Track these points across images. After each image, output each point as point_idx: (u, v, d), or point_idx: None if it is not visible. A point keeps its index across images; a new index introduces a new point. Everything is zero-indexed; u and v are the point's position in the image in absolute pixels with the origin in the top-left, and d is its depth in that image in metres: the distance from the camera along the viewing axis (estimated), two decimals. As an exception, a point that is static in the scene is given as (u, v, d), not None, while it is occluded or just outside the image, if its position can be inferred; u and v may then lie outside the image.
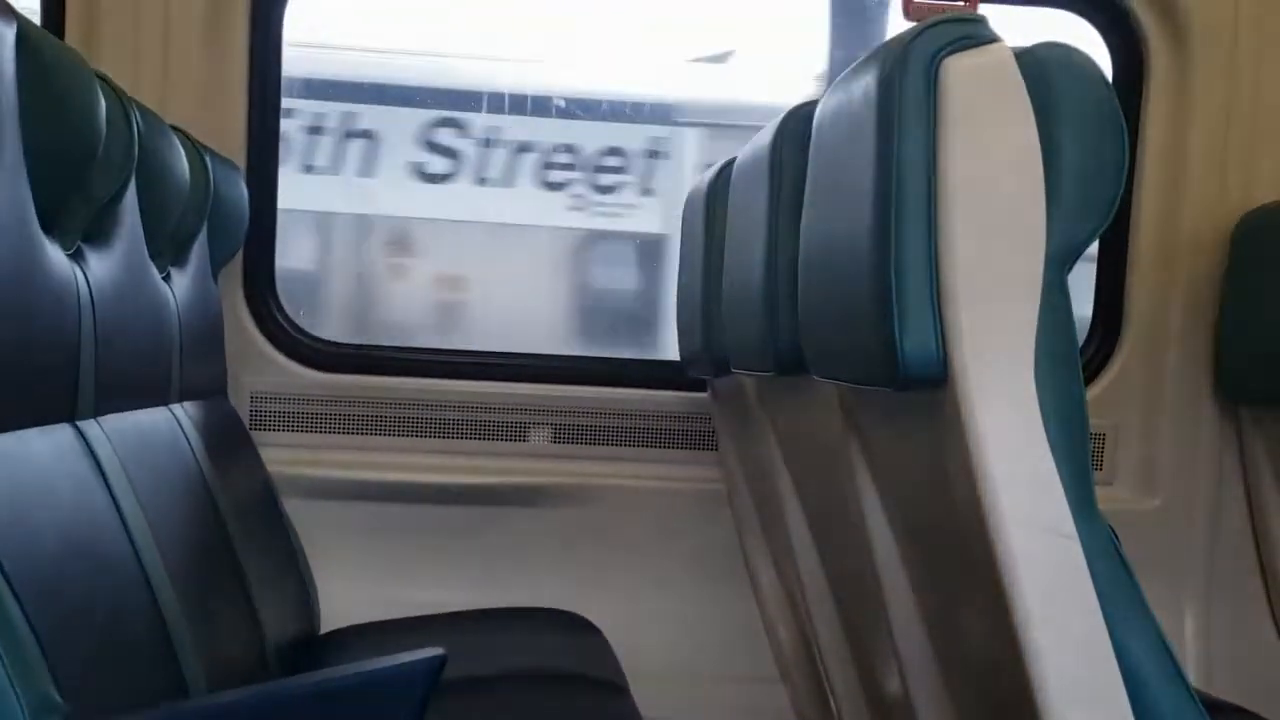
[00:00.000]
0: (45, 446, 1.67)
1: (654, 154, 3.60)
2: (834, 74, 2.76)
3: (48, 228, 1.69)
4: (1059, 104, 1.43)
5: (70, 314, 1.75)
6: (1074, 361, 1.46)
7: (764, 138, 2.11)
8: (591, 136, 3.57)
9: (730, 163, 2.51)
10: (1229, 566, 3.19)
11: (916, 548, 1.81)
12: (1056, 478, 1.41)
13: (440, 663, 1.53)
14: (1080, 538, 1.42)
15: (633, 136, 3.60)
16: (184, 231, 2.48)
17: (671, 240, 3.29)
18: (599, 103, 3.60)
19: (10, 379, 1.55)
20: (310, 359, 3.22)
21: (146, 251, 2.20)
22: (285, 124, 3.23)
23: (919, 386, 1.46)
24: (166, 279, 2.37)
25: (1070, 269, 1.46)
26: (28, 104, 1.56)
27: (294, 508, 3.02)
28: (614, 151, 3.58)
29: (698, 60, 3.78)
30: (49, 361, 1.70)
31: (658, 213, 3.57)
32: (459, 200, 3.58)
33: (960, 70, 1.43)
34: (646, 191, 3.59)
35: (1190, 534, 3.20)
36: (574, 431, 3.25)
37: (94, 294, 1.84)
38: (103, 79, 1.87)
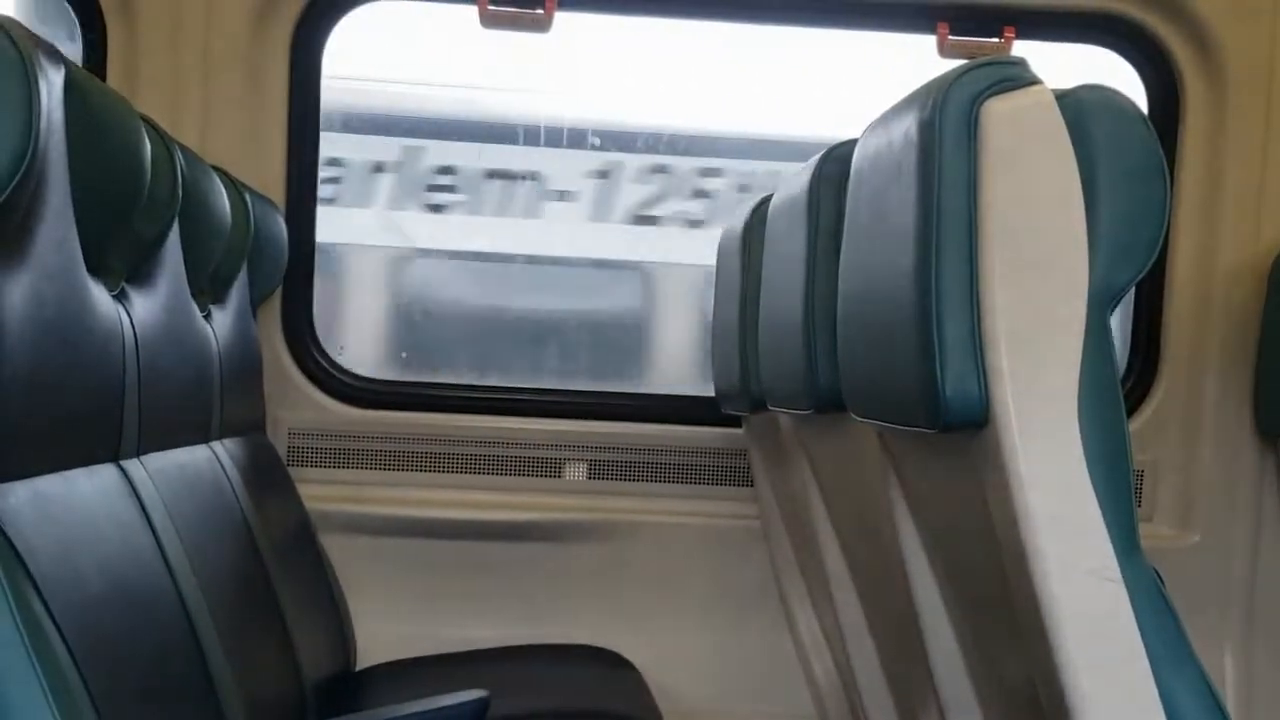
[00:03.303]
0: (90, 487, 1.68)
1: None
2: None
3: (93, 269, 1.71)
4: (1100, 146, 1.43)
5: (115, 355, 1.77)
6: (1117, 403, 1.45)
7: (801, 177, 2.12)
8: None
9: (766, 200, 2.52)
10: (1270, 603, 3.17)
11: (957, 588, 1.80)
12: (1100, 520, 1.41)
13: (484, 705, 1.53)
14: (1124, 580, 1.41)
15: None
16: (225, 270, 2.50)
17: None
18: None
19: (56, 420, 1.57)
20: (347, 395, 3.24)
21: (189, 291, 2.22)
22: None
23: (960, 429, 1.46)
24: (207, 317, 2.39)
25: (1113, 310, 1.46)
26: (75, 148, 1.58)
27: (331, 543, 3.03)
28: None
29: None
30: (94, 402, 1.71)
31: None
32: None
33: (1001, 112, 1.43)
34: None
35: (1230, 570, 3.18)
36: (609, 467, 3.25)
37: (138, 335, 1.86)
38: (147, 121, 1.89)
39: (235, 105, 3.08)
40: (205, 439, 2.35)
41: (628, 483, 3.24)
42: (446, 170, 3.60)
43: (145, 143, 1.81)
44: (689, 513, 3.23)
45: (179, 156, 2.05)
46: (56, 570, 1.44)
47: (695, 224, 3.62)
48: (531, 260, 3.65)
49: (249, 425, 2.74)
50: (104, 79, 2.92)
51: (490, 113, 3.65)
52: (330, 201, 3.42)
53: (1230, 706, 1.52)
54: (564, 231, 3.64)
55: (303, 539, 2.89)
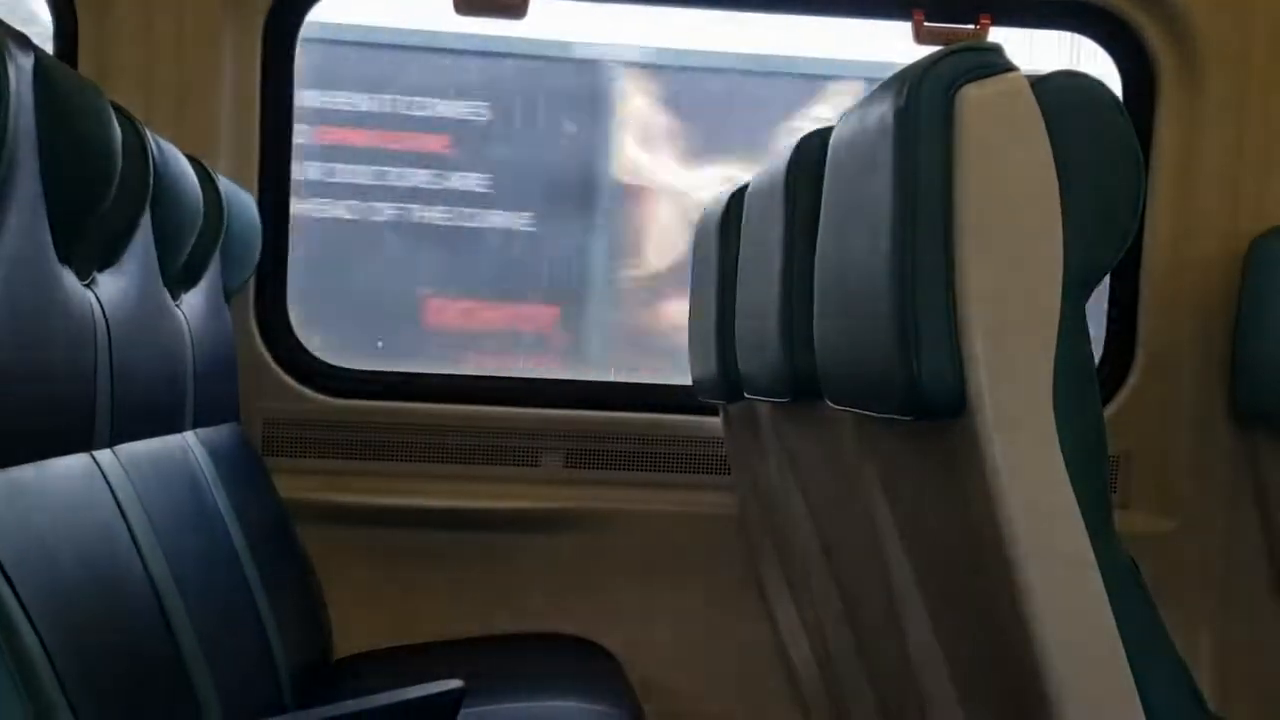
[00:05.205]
0: (63, 477, 1.67)
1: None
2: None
3: (64, 258, 1.70)
4: (1075, 133, 1.43)
5: (86, 344, 1.75)
6: (1092, 390, 1.45)
7: (779, 163, 2.11)
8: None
9: (743, 188, 2.51)
10: (1245, 589, 3.18)
11: (934, 575, 1.80)
12: (1075, 507, 1.41)
13: (460, 695, 1.53)
14: (1099, 566, 1.41)
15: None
16: (197, 258, 2.48)
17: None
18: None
19: (28, 410, 1.56)
20: (323, 384, 3.22)
21: (161, 279, 2.21)
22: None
23: (936, 416, 1.46)
24: (180, 306, 2.37)
25: (1088, 297, 1.46)
26: (45, 135, 1.57)
27: (307, 533, 3.01)
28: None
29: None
30: (66, 392, 1.70)
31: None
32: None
33: (976, 99, 1.43)
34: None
35: (1206, 556, 3.19)
36: (586, 456, 3.24)
37: (109, 323, 1.85)
38: (118, 109, 1.88)
39: (208, 94, 3.06)
40: (179, 428, 2.34)
41: (605, 471, 3.24)
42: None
43: (116, 130, 1.79)
44: (666, 501, 3.23)
45: (151, 143, 2.03)
46: (28, 560, 1.43)
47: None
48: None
49: (223, 414, 2.73)
50: (75, 68, 2.90)
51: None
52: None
53: (1207, 692, 1.53)
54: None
55: (278, 528, 2.88)
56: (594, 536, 3.21)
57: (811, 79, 3.84)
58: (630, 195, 3.75)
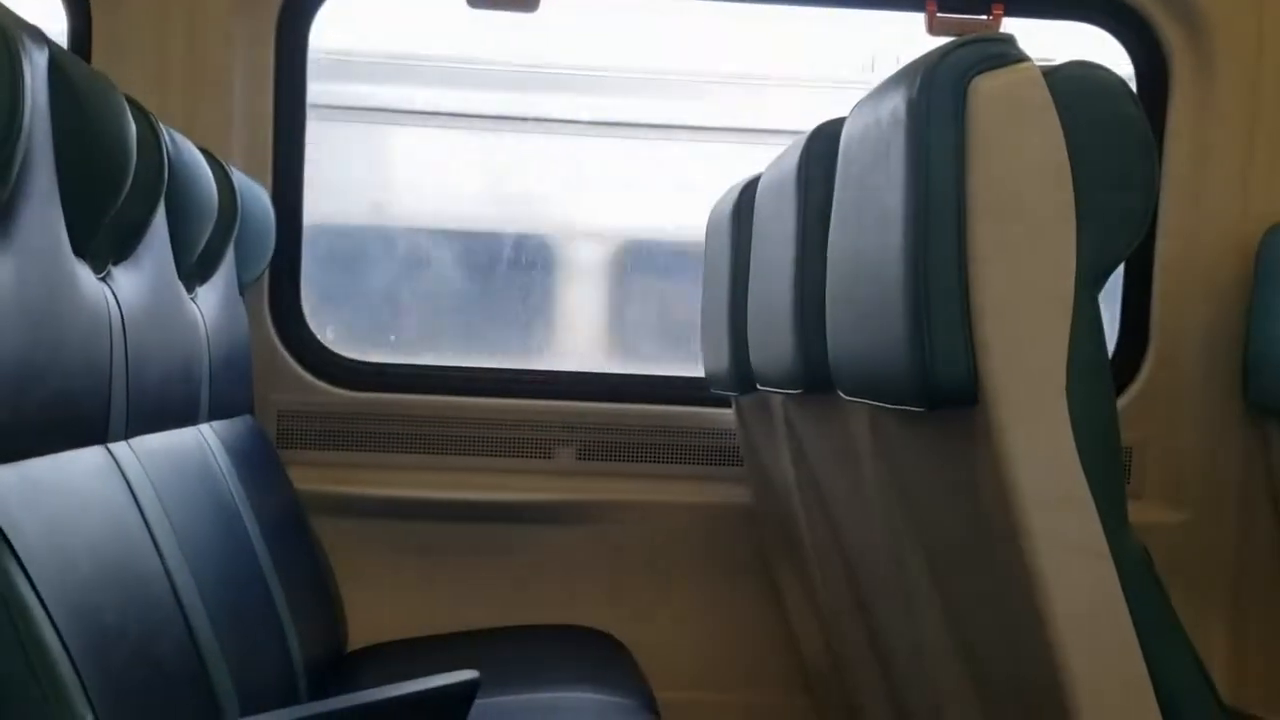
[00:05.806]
0: (78, 470, 1.67)
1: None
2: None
3: (79, 251, 1.71)
4: (1088, 123, 1.43)
5: (101, 337, 1.76)
6: (1106, 380, 1.46)
7: (790, 155, 2.11)
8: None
9: (755, 180, 2.51)
10: (1259, 579, 3.18)
11: (946, 565, 1.81)
12: (1089, 497, 1.41)
13: (474, 686, 1.53)
14: (1113, 558, 1.42)
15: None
16: (212, 251, 2.49)
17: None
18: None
19: (43, 403, 1.56)
20: (337, 377, 3.23)
21: (175, 272, 2.22)
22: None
23: (949, 406, 1.46)
24: (194, 299, 2.38)
25: (1101, 288, 1.46)
26: (60, 129, 1.58)
27: (321, 525, 3.02)
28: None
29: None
30: (81, 385, 1.70)
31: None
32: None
33: (989, 90, 1.43)
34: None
35: (1219, 547, 3.18)
36: (599, 448, 3.25)
37: (125, 316, 1.85)
38: (132, 103, 1.89)
39: (221, 87, 3.06)
40: (194, 421, 2.34)
41: (617, 463, 3.24)
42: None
43: (130, 124, 1.80)
44: (678, 493, 3.23)
45: (165, 137, 2.04)
46: (45, 553, 1.44)
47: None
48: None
49: (238, 407, 2.74)
50: (89, 62, 2.91)
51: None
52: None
53: (1220, 684, 1.53)
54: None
55: (293, 521, 2.89)
56: (607, 528, 3.22)
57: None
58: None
